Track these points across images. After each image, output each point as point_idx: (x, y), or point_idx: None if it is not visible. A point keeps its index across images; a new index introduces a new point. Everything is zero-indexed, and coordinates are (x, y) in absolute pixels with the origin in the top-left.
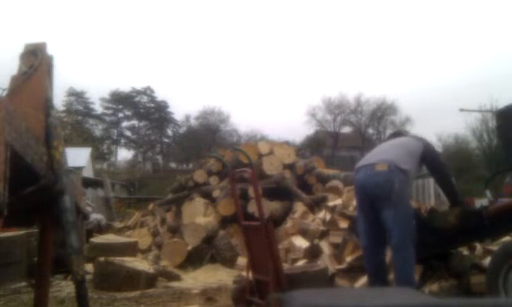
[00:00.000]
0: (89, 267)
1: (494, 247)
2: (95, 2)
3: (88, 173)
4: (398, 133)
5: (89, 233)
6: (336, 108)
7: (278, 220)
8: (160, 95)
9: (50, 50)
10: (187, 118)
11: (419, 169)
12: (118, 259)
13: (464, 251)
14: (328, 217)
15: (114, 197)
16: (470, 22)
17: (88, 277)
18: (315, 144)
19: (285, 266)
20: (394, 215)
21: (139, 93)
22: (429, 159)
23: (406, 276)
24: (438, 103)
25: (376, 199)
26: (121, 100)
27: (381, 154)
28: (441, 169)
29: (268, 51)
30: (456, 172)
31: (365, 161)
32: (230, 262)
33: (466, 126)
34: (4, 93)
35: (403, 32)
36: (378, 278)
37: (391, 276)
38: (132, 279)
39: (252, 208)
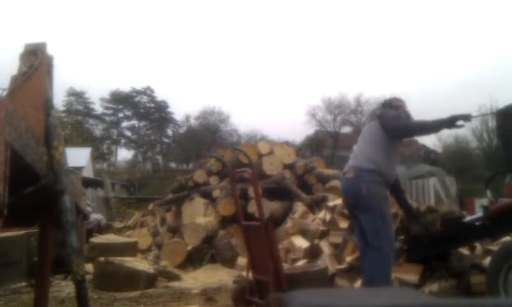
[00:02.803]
0: (89, 267)
1: (494, 247)
2: (95, 2)
3: (88, 173)
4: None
5: (89, 233)
6: (336, 108)
7: (278, 220)
8: (160, 95)
9: (50, 50)
10: (187, 118)
11: (396, 143)
12: (118, 259)
13: (465, 251)
14: (328, 217)
15: (114, 197)
16: (470, 22)
17: (88, 277)
18: (315, 144)
19: (285, 266)
20: (365, 218)
21: (139, 93)
22: (391, 131)
23: (369, 278)
24: (437, 102)
25: (351, 205)
26: (121, 100)
27: (352, 158)
28: (403, 130)
29: (268, 51)
30: (456, 172)
31: (345, 168)
32: (230, 262)
33: (466, 126)
34: (4, 93)
35: (403, 32)
36: None
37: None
38: (132, 279)
39: (252, 208)
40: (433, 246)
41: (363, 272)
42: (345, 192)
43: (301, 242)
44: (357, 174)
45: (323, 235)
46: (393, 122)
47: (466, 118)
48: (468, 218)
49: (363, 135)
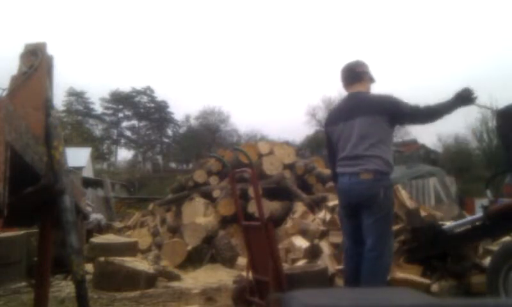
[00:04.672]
0: (89, 267)
1: (494, 247)
2: (95, 2)
3: (88, 173)
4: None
5: (89, 233)
6: None
7: (278, 220)
8: (160, 95)
9: (50, 50)
10: (187, 118)
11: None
12: (118, 259)
13: (464, 251)
14: (328, 217)
15: (114, 197)
16: (470, 22)
17: (88, 277)
18: (315, 144)
19: (285, 266)
20: (372, 221)
21: (139, 93)
22: (408, 123)
23: (366, 282)
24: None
25: (358, 206)
26: (121, 100)
27: (362, 158)
28: (421, 120)
29: (268, 51)
30: (456, 172)
31: (346, 166)
32: (230, 262)
33: (466, 126)
34: (4, 93)
35: (403, 31)
36: (356, 279)
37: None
38: (132, 279)
39: (252, 208)
40: (433, 246)
41: (347, 272)
42: (357, 191)
43: (301, 242)
44: (376, 178)
45: (323, 235)
46: (410, 115)
47: (471, 100)
48: (468, 218)
49: (361, 133)
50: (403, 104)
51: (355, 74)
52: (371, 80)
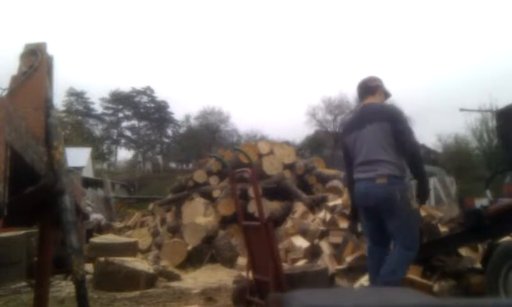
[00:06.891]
0: (89, 267)
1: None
2: (94, 2)
3: (88, 173)
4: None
5: (89, 233)
6: (336, 108)
7: (278, 220)
8: (160, 95)
9: (50, 50)
10: (187, 117)
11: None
12: (118, 259)
13: (464, 252)
14: (328, 217)
15: (114, 197)
16: (470, 22)
17: (88, 277)
18: (315, 144)
19: (285, 266)
20: (398, 225)
21: (139, 93)
22: (402, 142)
23: (391, 271)
24: (438, 103)
25: (379, 210)
26: (121, 100)
27: (375, 164)
28: (413, 153)
29: (268, 51)
30: (456, 172)
31: (361, 172)
32: (230, 262)
33: (466, 126)
34: (4, 93)
35: (403, 31)
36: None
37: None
38: (132, 279)
39: (252, 208)
40: (433, 246)
41: (370, 270)
42: (374, 195)
43: (301, 242)
44: (391, 181)
45: (323, 235)
46: (412, 140)
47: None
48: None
49: (372, 139)
50: (404, 123)
51: (368, 88)
52: (386, 94)
